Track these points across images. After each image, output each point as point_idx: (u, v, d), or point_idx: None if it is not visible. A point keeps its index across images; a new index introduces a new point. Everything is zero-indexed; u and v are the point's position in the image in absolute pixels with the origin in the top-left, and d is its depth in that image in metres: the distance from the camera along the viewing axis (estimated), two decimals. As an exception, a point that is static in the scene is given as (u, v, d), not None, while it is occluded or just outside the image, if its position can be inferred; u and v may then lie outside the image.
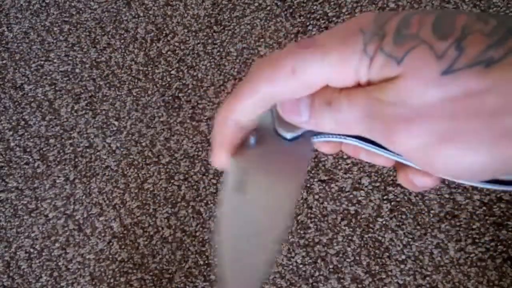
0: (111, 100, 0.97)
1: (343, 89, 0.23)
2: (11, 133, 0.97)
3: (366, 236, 0.81)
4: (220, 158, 0.27)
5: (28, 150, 0.96)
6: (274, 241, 0.25)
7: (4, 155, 0.96)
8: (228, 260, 0.25)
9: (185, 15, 1.01)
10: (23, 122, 0.98)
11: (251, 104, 0.24)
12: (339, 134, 0.26)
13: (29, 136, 0.97)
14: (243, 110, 0.24)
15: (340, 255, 0.81)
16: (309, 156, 0.26)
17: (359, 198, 0.83)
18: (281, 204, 0.25)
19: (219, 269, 0.25)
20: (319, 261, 0.81)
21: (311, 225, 0.83)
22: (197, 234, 0.85)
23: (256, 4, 1.00)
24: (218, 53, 0.97)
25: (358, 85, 0.22)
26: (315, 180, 0.85)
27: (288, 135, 0.26)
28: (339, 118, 0.23)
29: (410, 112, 0.20)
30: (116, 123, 0.95)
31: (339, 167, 0.85)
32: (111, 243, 0.87)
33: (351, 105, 0.22)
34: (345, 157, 0.86)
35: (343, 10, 0.96)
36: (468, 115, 0.19)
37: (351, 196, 0.84)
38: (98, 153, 0.93)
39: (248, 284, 0.25)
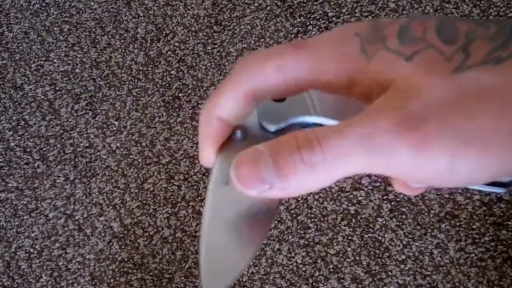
0: (111, 100, 0.97)
1: (313, 132, 0.20)
2: (11, 133, 0.97)
3: (366, 236, 0.81)
4: (207, 155, 0.25)
5: (28, 150, 0.96)
6: (257, 238, 0.24)
7: (4, 155, 0.96)
8: (205, 254, 0.24)
9: (185, 15, 1.01)
10: (23, 122, 0.98)
11: (233, 100, 0.23)
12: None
13: (29, 136, 0.97)
14: (226, 106, 0.23)
15: (340, 255, 0.81)
16: None
17: (359, 198, 0.83)
18: (266, 201, 0.24)
19: (199, 263, 0.24)
20: (319, 261, 0.81)
21: (311, 225, 0.83)
22: (197, 234, 0.85)
23: (256, 4, 1.00)
24: (218, 53, 0.97)
25: (350, 91, 0.22)
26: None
27: (272, 127, 0.24)
28: (323, 159, 0.19)
29: (423, 111, 0.19)
30: (116, 123, 0.95)
31: (339, 167, 0.85)
32: (111, 243, 0.87)
33: (342, 137, 0.19)
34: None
35: (343, 10, 0.96)
36: (484, 113, 0.18)
37: (351, 196, 0.84)
38: (98, 153, 0.93)
39: (222, 280, 0.24)
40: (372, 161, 0.19)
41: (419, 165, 0.19)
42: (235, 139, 0.25)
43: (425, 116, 0.19)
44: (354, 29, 0.22)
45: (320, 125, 0.25)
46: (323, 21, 0.96)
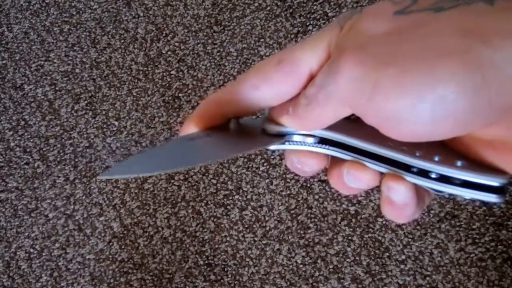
0: (111, 100, 0.97)
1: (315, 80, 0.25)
2: (11, 133, 0.97)
3: (366, 236, 0.81)
4: (188, 126, 0.28)
5: (28, 150, 0.96)
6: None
7: (4, 155, 0.96)
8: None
9: (185, 15, 1.01)
10: (23, 122, 0.98)
11: (236, 106, 0.27)
12: (310, 135, 0.27)
13: (29, 136, 0.97)
14: (230, 107, 0.27)
15: (340, 255, 0.81)
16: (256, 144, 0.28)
17: (359, 198, 0.83)
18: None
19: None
20: (319, 261, 0.81)
21: (311, 225, 0.83)
22: (197, 234, 0.85)
23: (256, 4, 1.00)
24: (218, 53, 0.97)
25: None
26: (315, 180, 0.85)
27: (274, 130, 0.27)
28: (317, 96, 0.24)
29: (360, 41, 0.22)
30: (116, 123, 0.95)
31: (339, 167, 0.85)
32: (111, 243, 0.87)
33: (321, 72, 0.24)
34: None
35: (343, 10, 0.96)
36: (410, 39, 0.20)
37: (351, 196, 0.84)
38: (98, 153, 0.93)
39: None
40: (334, 90, 0.23)
41: (354, 88, 0.22)
42: (228, 128, 0.28)
43: (360, 46, 0.22)
44: (338, 19, 0.25)
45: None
46: (323, 21, 0.96)
